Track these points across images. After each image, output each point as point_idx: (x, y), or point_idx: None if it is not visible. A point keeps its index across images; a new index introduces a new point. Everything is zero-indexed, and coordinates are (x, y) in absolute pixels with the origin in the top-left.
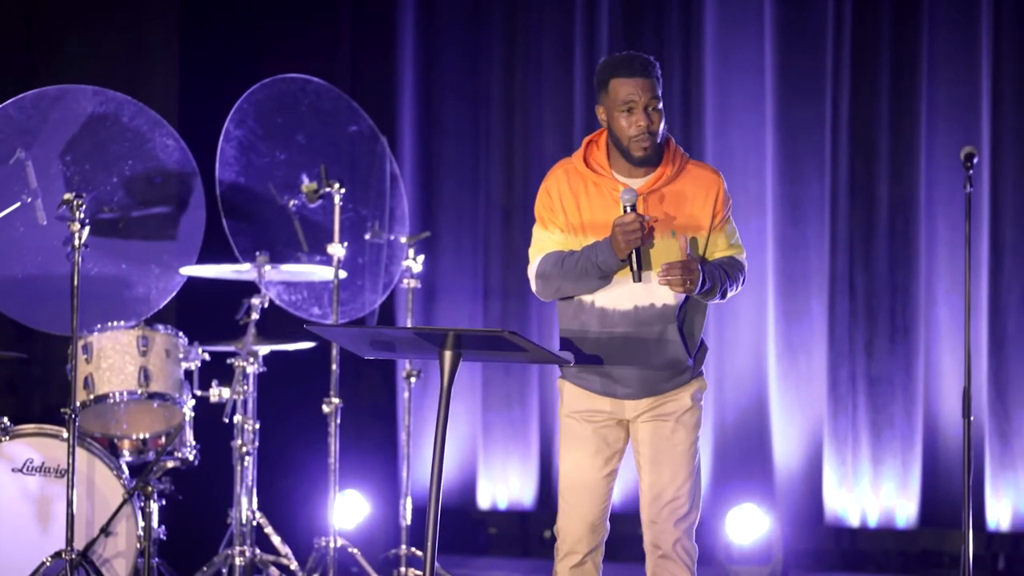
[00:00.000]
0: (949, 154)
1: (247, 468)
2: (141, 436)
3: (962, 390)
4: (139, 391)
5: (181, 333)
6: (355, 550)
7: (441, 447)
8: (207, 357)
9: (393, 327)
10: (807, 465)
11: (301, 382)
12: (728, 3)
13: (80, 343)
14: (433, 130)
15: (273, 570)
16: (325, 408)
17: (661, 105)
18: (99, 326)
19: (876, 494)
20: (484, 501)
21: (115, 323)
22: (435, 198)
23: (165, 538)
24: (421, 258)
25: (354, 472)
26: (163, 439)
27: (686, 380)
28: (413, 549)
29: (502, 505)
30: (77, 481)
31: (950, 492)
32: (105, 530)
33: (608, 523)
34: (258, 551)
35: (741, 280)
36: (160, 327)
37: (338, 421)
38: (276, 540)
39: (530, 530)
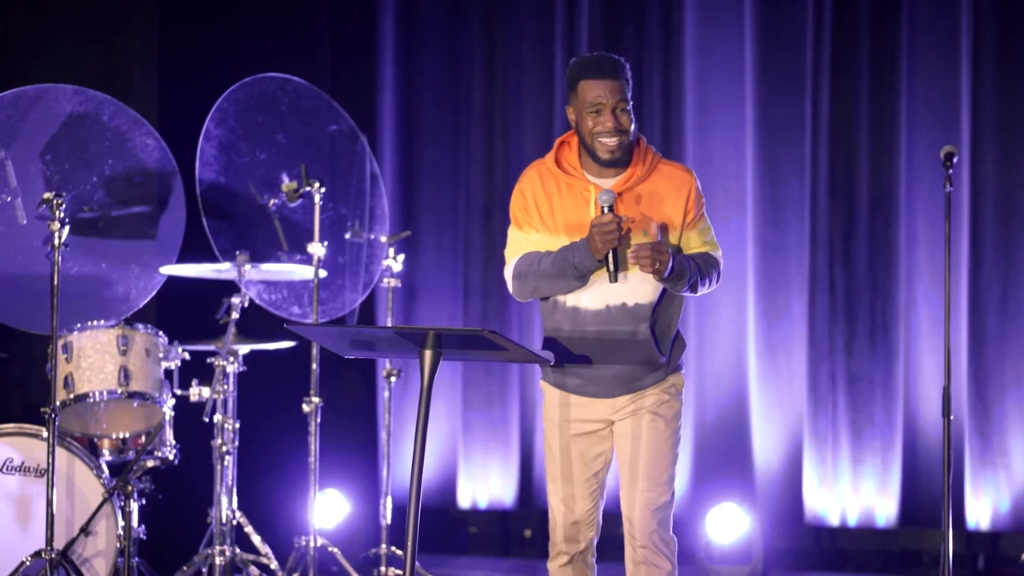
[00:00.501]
0: (929, 154)
1: (227, 467)
2: (121, 435)
3: (942, 389)
4: (119, 390)
5: (161, 332)
6: (335, 549)
7: (421, 446)
8: (187, 356)
9: (373, 326)
10: (787, 464)
11: (281, 381)
12: (708, 3)
13: (60, 342)
14: (413, 129)
15: (253, 569)
16: (305, 407)
17: (630, 106)
18: (79, 325)
19: (856, 493)
20: (464, 500)
21: (95, 322)
22: (415, 197)
23: (145, 537)
24: (401, 257)
25: (334, 471)
26: (143, 438)
27: (662, 376)
28: (393, 548)
29: (482, 504)
30: (57, 480)
31: (930, 491)
32: (85, 529)
33: (597, 524)
34: (238, 550)
35: (715, 277)
36: (140, 326)
37: (318, 420)
38: (256, 539)
39: (510, 529)
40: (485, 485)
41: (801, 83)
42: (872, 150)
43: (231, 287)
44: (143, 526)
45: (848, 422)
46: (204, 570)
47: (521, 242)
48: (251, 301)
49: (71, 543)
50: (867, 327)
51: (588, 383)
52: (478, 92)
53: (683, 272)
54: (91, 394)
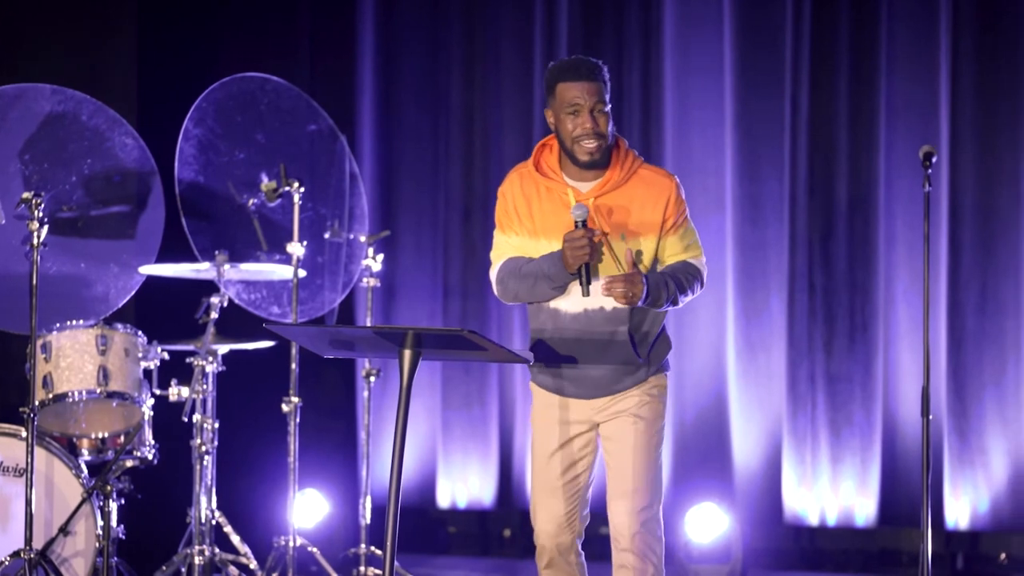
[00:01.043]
0: (908, 153)
1: (206, 467)
2: (100, 435)
3: (921, 389)
4: (98, 390)
5: (140, 332)
6: (314, 549)
7: (401, 446)
8: (166, 356)
9: (352, 326)
10: (766, 464)
11: (260, 381)
12: (687, 2)
13: (39, 342)
14: (392, 129)
15: (232, 569)
16: (284, 407)
17: (608, 108)
18: (58, 325)
19: (835, 493)
20: (444, 500)
21: (74, 322)
22: (394, 197)
23: (124, 537)
24: (380, 257)
25: (313, 471)
26: (122, 438)
27: (643, 377)
28: (372, 548)
29: (461, 504)
30: (36, 480)
31: (909, 491)
32: (64, 529)
33: (580, 524)
34: (217, 550)
35: (698, 286)
36: (119, 326)
37: (297, 420)
38: (235, 539)
39: (489, 529)
40: (464, 485)
41: (780, 82)
42: (851, 149)
43: (210, 287)
44: (122, 526)
45: (827, 421)
46: (183, 570)
47: (504, 245)
48: (230, 301)
49: (50, 543)
50: (846, 326)
51: (570, 383)
52: (457, 92)
53: (659, 296)
54: (70, 394)
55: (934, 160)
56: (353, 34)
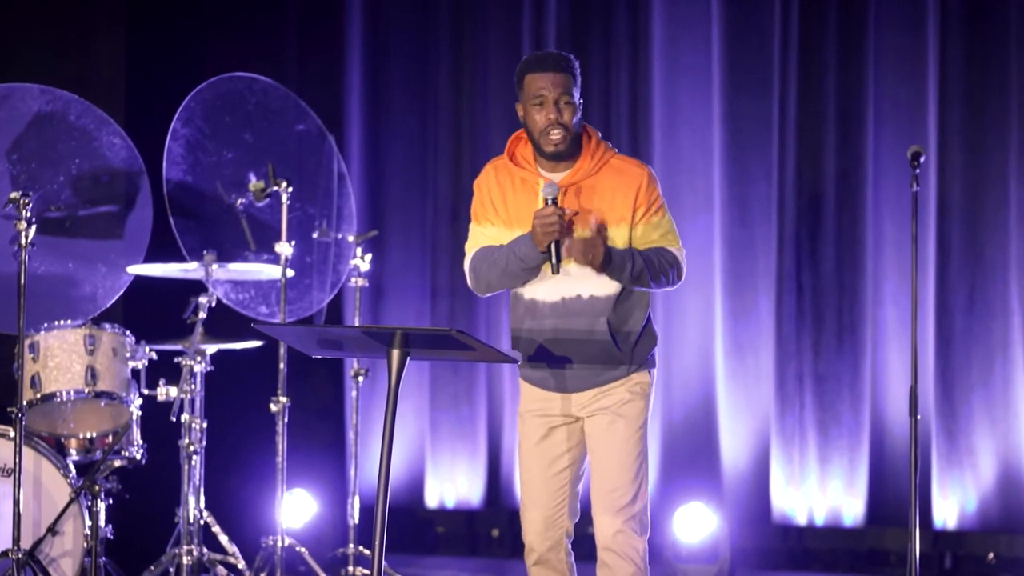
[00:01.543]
0: (896, 154)
1: (194, 467)
2: (88, 435)
3: (909, 389)
4: (86, 390)
5: (128, 332)
6: (303, 549)
7: (389, 446)
8: (154, 356)
9: (341, 326)
10: (754, 464)
11: (249, 381)
12: (675, 3)
13: (27, 342)
14: (380, 129)
15: (220, 569)
16: (273, 407)
17: (577, 100)
18: (46, 325)
19: (823, 492)
20: (432, 500)
21: (62, 322)
22: (383, 197)
23: (112, 537)
24: (369, 257)
25: (302, 471)
26: (110, 438)
27: (624, 373)
28: (361, 548)
29: (450, 504)
30: (24, 480)
31: (897, 490)
32: (52, 529)
33: (569, 522)
34: (205, 550)
35: (673, 273)
36: (107, 326)
37: (286, 420)
38: (224, 539)
39: (478, 529)
40: (453, 485)
41: (768, 82)
42: (839, 149)
43: (198, 287)
44: (110, 526)
45: (815, 421)
46: (171, 570)
47: (478, 236)
48: (218, 301)
49: (38, 543)
50: (834, 326)
51: (551, 377)
52: (446, 92)
53: (623, 264)
54: (58, 394)
55: (922, 160)
56: (341, 34)
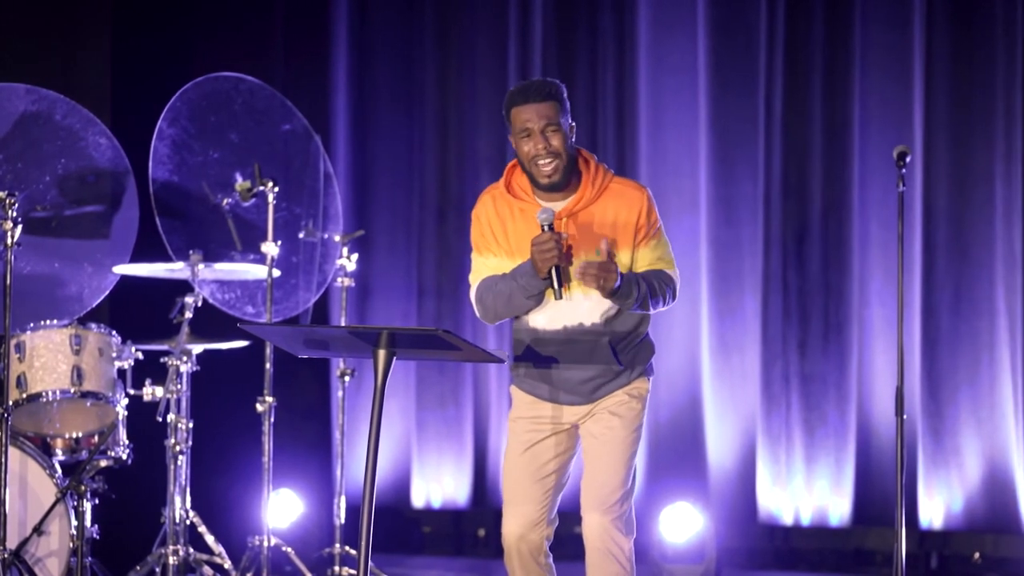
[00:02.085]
0: (882, 154)
1: (180, 467)
2: (74, 435)
3: (895, 389)
4: (72, 390)
5: (114, 332)
6: (289, 549)
7: (375, 446)
8: (140, 356)
9: (327, 326)
10: (741, 463)
11: (235, 381)
12: (662, 4)
13: (13, 342)
14: (367, 129)
15: (207, 569)
16: (259, 407)
17: (565, 126)
18: (32, 325)
19: (809, 492)
20: (418, 500)
21: (48, 322)
22: (369, 197)
23: (98, 537)
24: (355, 256)
25: (288, 471)
26: (96, 438)
27: (624, 383)
28: (347, 548)
29: (436, 504)
30: (10, 480)
31: (883, 490)
32: (38, 529)
33: (549, 525)
34: (192, 550)
35: (669, 295)
36: (93, 326)
37: (272, 420)
38: (210, 539)
39: (464, 529)
40: (439, 485)
41: (754, 84)
42: (825, 151)
43: (184, 286)
44: (96, 526)
45: (801, 421)
46: (157, 570)
47: (481, 267)
48: (204, 300)
49: (24, 543)
50: (820, 326)
51: (551, 388)
52: (432, 92)
53: (631, 290)
54: (44, 393)
55: (908, 160)
56: (327, 34)
